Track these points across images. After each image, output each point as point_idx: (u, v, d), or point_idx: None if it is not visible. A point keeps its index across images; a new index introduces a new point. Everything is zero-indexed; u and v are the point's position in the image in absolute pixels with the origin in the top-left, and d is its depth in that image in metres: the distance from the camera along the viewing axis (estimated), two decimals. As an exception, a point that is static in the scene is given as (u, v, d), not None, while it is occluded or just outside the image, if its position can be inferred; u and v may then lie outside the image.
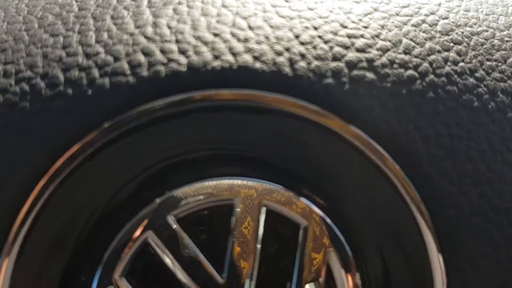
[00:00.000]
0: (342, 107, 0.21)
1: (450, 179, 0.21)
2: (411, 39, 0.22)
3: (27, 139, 0.20)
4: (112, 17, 0.21)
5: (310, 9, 0.22)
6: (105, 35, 0.21)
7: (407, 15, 0.23)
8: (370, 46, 0.21)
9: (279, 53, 0.20)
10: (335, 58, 0.21)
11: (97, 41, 0.20)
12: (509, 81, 0.23)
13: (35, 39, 0.21)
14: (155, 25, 0.21)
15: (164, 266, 0.20)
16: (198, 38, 0.20)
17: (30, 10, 0.23)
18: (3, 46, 0.22)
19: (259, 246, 0.20)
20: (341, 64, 0.21)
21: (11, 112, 0.20)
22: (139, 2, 0.22)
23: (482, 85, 0.22)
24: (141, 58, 0.20)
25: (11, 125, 0.20)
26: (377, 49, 0.21)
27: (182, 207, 0.20)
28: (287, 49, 0.21)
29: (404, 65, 0.21)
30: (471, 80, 0.22)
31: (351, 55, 0.21)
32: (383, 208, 0.21)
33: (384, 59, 0.21)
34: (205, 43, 0.20)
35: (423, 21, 0.23)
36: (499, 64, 0.23)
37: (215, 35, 0.21)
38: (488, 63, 0.23)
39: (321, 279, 0.21)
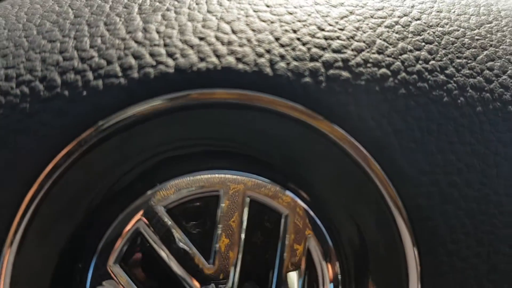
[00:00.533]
0: (319, 104, 0.22)
1: (422, 169, 0.23)
2: (384, 40, 0.24)
3: (28, 138, 0.22)
4: (105, 24, 0.23)
5: (290, 13, 0.24)
6: (99, 40, 0.22)
7: (381, 17, 0.24)
8: (345, 47, 0.23)
9: (260, 55, 0.22)
10: (313, 59, 0.22)
11: (91, 46, 0.22)
12: (478, 77, 0.25)
13: (34, 45, 0.23)
14: (145, 30, 0.22)
15: (155, 254, 0.22)
16: (184, 41, 0.22)
17: (29, 18, 0.25)
18: (4, 52, 0.23)
19: (243, 236, 0.22)
20: (318, 64, 0.22)
21: (13, 112, 0.22)
22: (130, 9, 0.23)
23: (452, 81, 0.24)
24: (132, 61, 0.22)
25: (12, 125, 0.22)
26: (352, 50, 0.23)
27: (172, 198, 0.22)
28: (268, 51, 0.22)
29: (377, 64, 0.23)
30: (442, 77, 0.24)
31: (328, 55, 0.23)
32: (359, 199, 0.23)
33: (358, 59, 0.23)
34: (191, 46, 0.22)
35: (396, 23, 0.24)
36: (469, 61, 0.25)
37: (201, 38, 0.22)
38: (458, 60, 0.24)
39: (302, 268, 0.22)
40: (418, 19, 0.25)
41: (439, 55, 0.24)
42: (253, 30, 0.23)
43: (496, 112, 0.24)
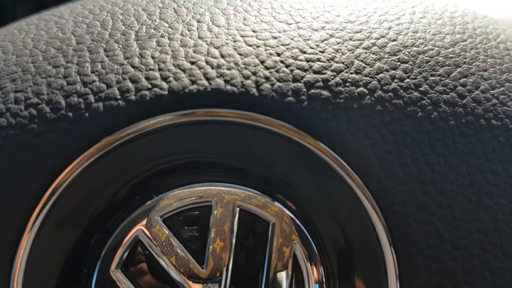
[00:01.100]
0: (302, 121, 0.24)
1: (398, 179, 0.25)
2: (362, 61, 0.26)
3: (35, 156, 0.24)
4: (105, 50, 0.25)
5: (274, 37, 0.26)
6: (99, 65, 0.24)
7: (359, 40, 0.26)
8: (325, 68, 0.25)
9: (247, 77, 0.24)
10: (295, 80, 0.24)
11: (92, 71, 0.24)
12: (451, 93, 0.26)
13: (40, 70, 0.25)
14: (141, 56, 0.24)
15: (154, 260, 0.24)
16: (177, 66, 0.24)
17: (35, 44, 0.27)
18: (13, 77, 0.25)
19: (234, 242, 0.24)
20: (300, 84, 0.24)
21: (22, 133, 0.24)
22: (128, 36, 0.26)
23: (426, 98, 0.26)
24: (129, 84, 0.24)
25: (22, 144, 0.24)
26: (332, 71, 0.25)
27: (168, 208, 0.24)
28: (254, 73, 0.24)
29: (355, 83, 0.25)
30: (416, 93, 0.26)
31: (309, 76, 0.25)
32: (341, 207, 0.25)
33: (337, 79, 0.25)
34: (183, 70, 0.24)
35: (374, 44, 0.26)
36: (443, 78, 0.27)
37: (192, 63, 0.24)
38: (432, 78, 0.26)
39: (289, 270, 0.24)
40: (394, 40, 0.27)
41: (413, 74, 0.26)
42: (240, 54, 0.25)
43: (468, 125, 0.26)
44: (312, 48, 0.25)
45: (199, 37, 0.25)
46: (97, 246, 0.24)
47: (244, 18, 0.27)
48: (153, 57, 0.24)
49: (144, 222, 0.24)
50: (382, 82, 0.25)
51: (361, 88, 0.25)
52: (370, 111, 0.25)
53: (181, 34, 0.25)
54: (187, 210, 0.24)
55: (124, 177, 0.24)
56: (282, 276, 0.24)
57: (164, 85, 0.24)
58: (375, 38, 0.27)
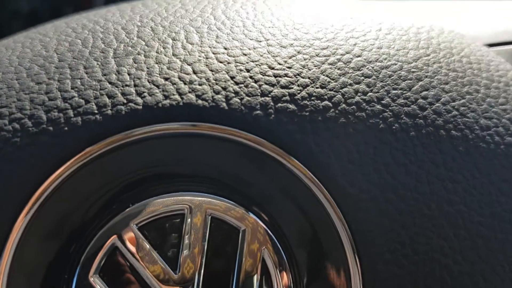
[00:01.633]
0: (269, 133, 0.26)
1: (360, 188, 0.26)
2: (327, 76, 0.27)
3: (19, 167, 0.25)
4: (85, 67, 0.27)
5: (244, 54, 0.27)
6: (79, 82, 0.26)
7: (325, 56, 0.28)
8: (292, 83, 0.27)
9: (217, 92, 0.26)
10: (263, 94, 0.26)
11: (72, 87, 0.26)
12: (412, 106, 0.28)
13: (24, 87, 0.27)
14: (118, 72, 0.26)
15: (130, 265, 0.25)
16: (151, 82, 0.26)
17: (20, 62, 0.28)
18: (-2, 93, 0.27)
19: (205, 247, 0.25)
20: (268, 99, 0.26)
21: (5, 146, 0.25)
22: (106, 53, 0.27)
23: (387, 110, 0.27)
24: (106, 100, 0.25)
25: (5, 157, 0.25)
26: (298, 85, 0.27)
27: (143, 217, 0.25)
28: (224, 88, 0.26)
29: (320, 97, 0.27)
30: (378, 106, 0.27)
31: (277, 91, 0.26)
32: (307, 215, 0.26)
33: (303, 93, 0.26)
34: (157, 86, 0.26)
35: (339, 60, 0.28)
36: (404, 91, 0.28)
37: (166, 79, 0.26)
38: (394, 91, 0.28)
39: (258, 275, 0.26)
40: (359, 55, 0.29)
41: (376, 87, 0.28)
42: (212, 70, 0.26)
43: (428, 136, 0.28)
44: (280, 64, 0.27)
45: (173, 54, 0.27)
46: (76, 253, 0.25)
47: (217, 36, 0.28)
48: (129, 74, 0.26)
49: (121, 229, 0.25)
50: (346, 96, 0.27)
51: (326, 102, 0.27)
52: (334, 123, 0.26)
53: (157, 52, 0.27)
54: (161, 218, 0.26)
55: (102, 187, 0.25)
56: (252, 281, 0.26)
57: (139, 100, 0.25)
58: (341, 54, 0.28)
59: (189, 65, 0.26)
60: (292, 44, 0.28)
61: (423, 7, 0.42)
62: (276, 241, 0.26)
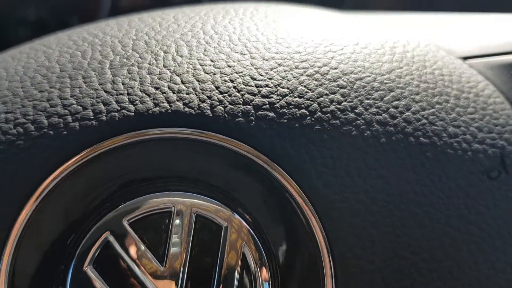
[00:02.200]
0: (250, 138, 0.28)
1: (333, 189, 0.28)
2: (305, 86, 0.30)
3: (22, 168, 0.28)
4: (83, 77, 0.29)
5: (229, 66, 0.30)
6: (77, 90, 0.29)
7: (304, 68, 0.30)
8: (272, 92, 0.29)
9: (203, 100, 0.28)
10: (245, 103, 0.29)
11: (71, 95, 0.28)
12: (384, 114, 0.30)
13: (28, 94, 0.29)
14: (113, 82, 0.29)
15: (121, 258, 0.28)
16: (143, 91, 0.28)
17: (25, 71, 0.31)
18: (5, 100, 0.30)
19: (190, 243, 0.28)
20: (249, 107, 0.28)
21: (11, 147, 0.28)
22: (103, 64, 0.30)
23: (360, 118, 0.30)
24: (102, 107, 0.28)
25: (10, 157, 0.28)
26: (278, 95, 0.29)
27: (134, 214, 0.28)
28: (209, 97, 0.28)
29: (297, 106, 0.29)
30: (351, 115, 0.30)
31: (258, 100, 0.29)
32: (285, 214, 0.29)
33: (282, 102, 0.29)
34: (148, 95, 0.28)
35: (316, 72, 0.30)
36: (377, 101, 0.31)
37: (156, 88, 0.28)
38: (367, 101, 0.30)
39: (239, 269, 0.28)
40: (335, 68, 0.31)
41: (350, 97, 0.30)
42: (198, 81, 0.29)
43: (398, 142, 0.30)
44: (261, 75, 0.30)
45: (164, 66, 0.29)
46: (73, 246, 0.28)
47: (205, 49, 0.31)
48: (123, 83, 0.29)
49: (114, 225, 0.28)
50: (321, 105, 0.29)
51: (303, 110, 0.29)
52: (310, 130, 0.29)
53: (149, 63, 0.30)
54: (151, 215, 0.28)
55: (98, 186, 0.28)
56: (233, 275, 0.28)
57: (131, 107, 0.28)
58: (318, 67, 0.31)
59: (178, 75, 0.29)
60: (273, 57, 0.31)
61: (404, 20, 0.45)
62: (256, 238, 0.28)
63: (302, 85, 0.30)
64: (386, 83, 0.32)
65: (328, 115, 0.29)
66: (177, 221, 0.28)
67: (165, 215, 0.28)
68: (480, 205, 0.31)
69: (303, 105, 0.29)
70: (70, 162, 0.28)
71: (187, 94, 0.28)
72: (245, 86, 0.29)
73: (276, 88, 0.29)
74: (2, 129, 0.29)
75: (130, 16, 0.38)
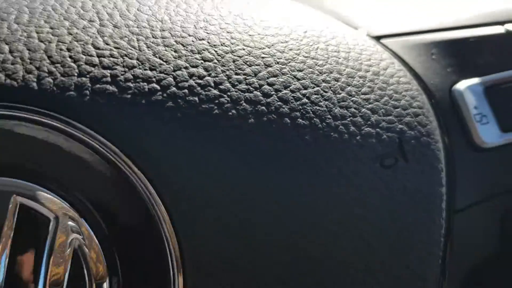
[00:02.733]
0: (83, 115, 0.24)
1: (184, 174, 0.24)
2: (159, 58, 0.25)
3: None
4: None
5: (70, 34, 0.26)
6: None
7: (163, 37, 0.26)
8: (117, 63, 0.25)
9: (29, 71, 0.24)
10: (81, 75, 0.24)
11: None
12: (255, 92, 0.26)
13: None
14: None
15: None
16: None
17: None
18: None
19: (12, 235, 0.23)
20: (85, 79, 0.24)
21: None
22: None
23: (225, 96, 0.26)
24: None
25: None
26: (123, 66, 0.25)
27: None
28: (37, 68, 0.24)
29: (147, 79, 0.25)
30: (215, 91, 0.25)
31: (97, 71, 0.24)
32: (124, 202, 0.24)
33: (128, 75, 0.25)
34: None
35: (178, 42, 0.26)
36: (248, 77, 0.26)
37: (-23, 58, 0.24)
38: (236, 76, 0.26)
39: (68, 265, 0.23)
40: (203, 39, 0.27)
41: (215, 72, 0.26)
42: (29, 50, 0.25)
43: (270, 124, 0.26)
44: (107, 44, 0.25)
45: (-7, 34, 0.25)
46: None
47: (48, 16, 0.27)
48: None
49: None
50: (177, 79, 0.25)
51: (153, 85, 0.25)
52: (161, 107, 0.24)
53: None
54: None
55: None
56: (61, 271, 0.24)
57: None
58: (182, 37, 0.27)
59: (7, 44, 0.25)
60: (128, 25, 0.26)
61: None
62: (90, 231, 0.24)
63: (156, 56, 0.25)
64: (263, 57, 0.27)
65: (185, 90, 0.25)
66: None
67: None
68: (368, 196, 0.26)
69: (154, 79, 0.25)
70: None
71: (13, 64, 0.24)
72: (84, 55, 0.25)
73: (123, 58, 0.25)
74: None
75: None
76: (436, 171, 0.28)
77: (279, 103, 0.26)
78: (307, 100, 0.27)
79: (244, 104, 0.26)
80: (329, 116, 0.27)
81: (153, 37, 0.26)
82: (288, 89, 0.27)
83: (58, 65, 0.24)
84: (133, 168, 0.24)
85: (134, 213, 0.24)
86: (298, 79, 0.27)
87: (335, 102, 0.27)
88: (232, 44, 0.27)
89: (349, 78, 0.29)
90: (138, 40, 0.26)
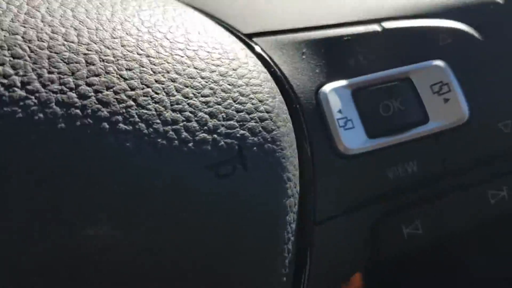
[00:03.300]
0: None
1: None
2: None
3: None
4: None
5: None
6: None
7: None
8: None
9: None
10: None
11: None
12: (69, 93, 0.24)
13: None
14: None
15: None
16: None
17: None
18: None
19: None
20: None
21: None
22: None
23: (33, 97, 0.23)
24: None
25: None
26: None
27: None
28: None
29: None
30: (21, 92, 0.23)
31: None
32: None
33: None
34: None
35: (-19, 36, 0.23)
36: (64, 76, 0.24)
37: None
38: (48, 75, 0.23)
39: None
40: (16, 33, 0.24)
41: (25, 70, 0.23)
42: None
43: (84, 129, 0.23)
44: None
45: None
46: None
47: None
48: None
49: None
50: None
51: None
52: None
53: None
54: None
55: None
56: None
57: None
58: (-13, 31, 0.24)
59: None
60: None
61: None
62: None
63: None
64: (85, 55, 0.25)
65: None
66: None
67: None
68: (197, 208, 0.24)
69: None
70: None
71: None
72: None
73: None
74: None
75: None
76: (281, 181, 0.26)
77: (97, 106, 0.24)
78: (132, 103, 0.24)
79: (54, 106, 0.23)
80: (158, 121, 0.24)
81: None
82: (112, 90, 0.24)
83: None
84: None
85: None
86: (125, 79, 0.25)
87: (167, 105, 0.25)
88: (50, 39, 0.25)
89: (189, 79, 0.26)
90: None
